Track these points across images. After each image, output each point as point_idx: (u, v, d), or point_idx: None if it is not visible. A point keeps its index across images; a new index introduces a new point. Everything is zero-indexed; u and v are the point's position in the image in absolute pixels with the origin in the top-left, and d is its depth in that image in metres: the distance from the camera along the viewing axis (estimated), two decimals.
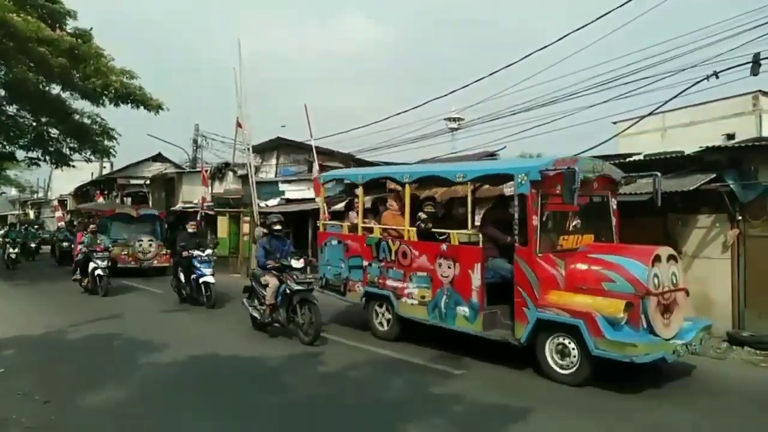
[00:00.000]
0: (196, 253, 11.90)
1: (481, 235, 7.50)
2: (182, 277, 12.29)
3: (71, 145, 19.37)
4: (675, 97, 10.18)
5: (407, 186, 8.38)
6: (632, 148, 13.21)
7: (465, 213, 7.87)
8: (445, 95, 15.73)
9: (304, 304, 8.50)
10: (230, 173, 21.57)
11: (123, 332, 9.14)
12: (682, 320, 6.83)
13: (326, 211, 10.79)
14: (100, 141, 18.99)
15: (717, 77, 9.47)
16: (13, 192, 55.36)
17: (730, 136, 13.13)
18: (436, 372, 6.98)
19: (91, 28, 16.82)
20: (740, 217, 8.56)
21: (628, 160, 10.24)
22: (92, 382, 6.47)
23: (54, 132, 19.05)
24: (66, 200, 37.83)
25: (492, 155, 15.17)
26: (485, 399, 5.96)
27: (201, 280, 11.77)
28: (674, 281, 6.81)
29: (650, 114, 11.92)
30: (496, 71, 13.49)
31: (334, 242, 9.62)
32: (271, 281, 8.88)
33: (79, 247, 14.18)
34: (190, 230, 12.87)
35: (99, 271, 13.29)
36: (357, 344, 8.37)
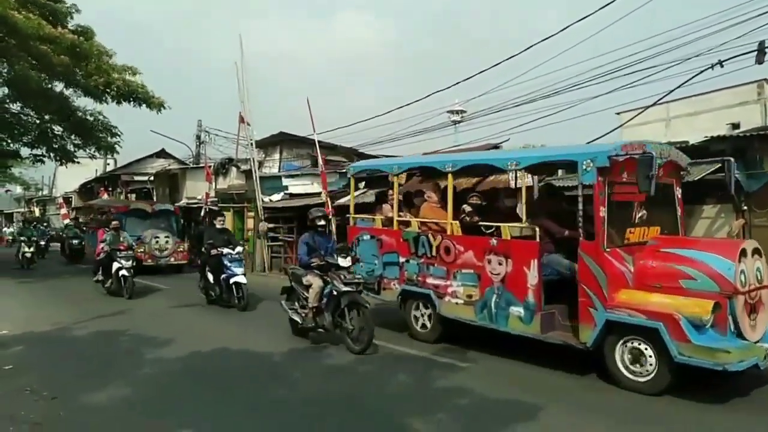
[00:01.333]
0: (226, 251, 10.94)
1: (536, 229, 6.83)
2: (210, 277, 11.19)
3: (75, 141, 19.45)
4: (679, 86, 10.16)
5: (450, 176, 7.60)
6: (636, 139, 13.12)
7: (513, 205, 7.37)
8: (448, 87, 15.65)
9: (353, 308, 7.56)
10: (234, 168, 21.63)
11: (130, 328, 9.13)
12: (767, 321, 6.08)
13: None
14: (104, 137, 19.07)
15: (722, 66, 9.43)
16: (18, 189, 55.61)
17: (735, 126, 12.99)
18: (441, 365, 6.96)
19: (90, 31, 16.81)
20: (745, 207, 8.54)
21: None
22: (100, 378, 6.50)
23: (58, 129, 19.14)
24: (71, 197, 38.09)
25: (495, 147, 15.15)
26: (490, 393, 5.93)
27: (232, 280, 10.80)
28: (759, 278, 6.00)
29: (654, 104, 11.88)
30: (499, 63, 13.51)
31: (366, 237, 8.92)
32: (315, 282, 7.93)
33: (101, 245, 13.08)
34: (218, 226, 11.77)
35: (123, 272, 12.33)
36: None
